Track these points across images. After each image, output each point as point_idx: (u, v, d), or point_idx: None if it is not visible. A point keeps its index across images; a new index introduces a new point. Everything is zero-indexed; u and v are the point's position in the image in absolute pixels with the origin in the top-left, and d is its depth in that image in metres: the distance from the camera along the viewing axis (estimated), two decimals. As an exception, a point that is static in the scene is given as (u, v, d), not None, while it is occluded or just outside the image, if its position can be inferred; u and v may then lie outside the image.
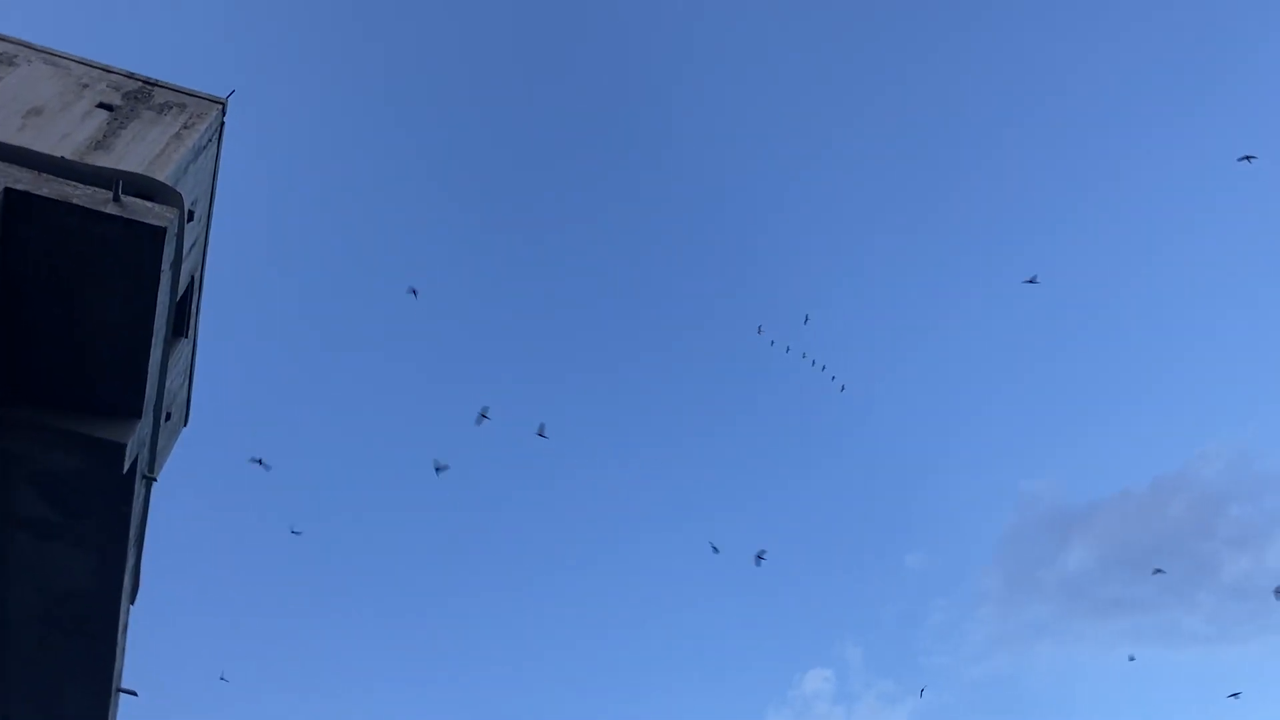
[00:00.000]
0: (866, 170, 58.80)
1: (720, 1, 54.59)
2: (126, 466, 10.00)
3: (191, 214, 11.50)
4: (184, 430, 14.69)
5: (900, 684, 57.58)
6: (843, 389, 35.09)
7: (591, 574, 56.13)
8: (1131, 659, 33.98)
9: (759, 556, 29.47)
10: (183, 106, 11.71)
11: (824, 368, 34.55)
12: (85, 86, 11.45)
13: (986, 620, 58.71)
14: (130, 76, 11.83)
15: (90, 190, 9.05)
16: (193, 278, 12.81)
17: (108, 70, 11.83)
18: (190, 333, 13.33)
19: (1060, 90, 57.23)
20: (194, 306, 13.21)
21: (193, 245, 12.11)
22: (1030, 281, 27.83)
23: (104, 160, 10.39)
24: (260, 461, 22.71)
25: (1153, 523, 55.20)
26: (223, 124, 12.34)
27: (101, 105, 11.26)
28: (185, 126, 11.46)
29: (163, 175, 10.44)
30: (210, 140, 12.05)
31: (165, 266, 9.40)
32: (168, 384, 12.15)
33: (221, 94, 12.24)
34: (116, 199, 8.98)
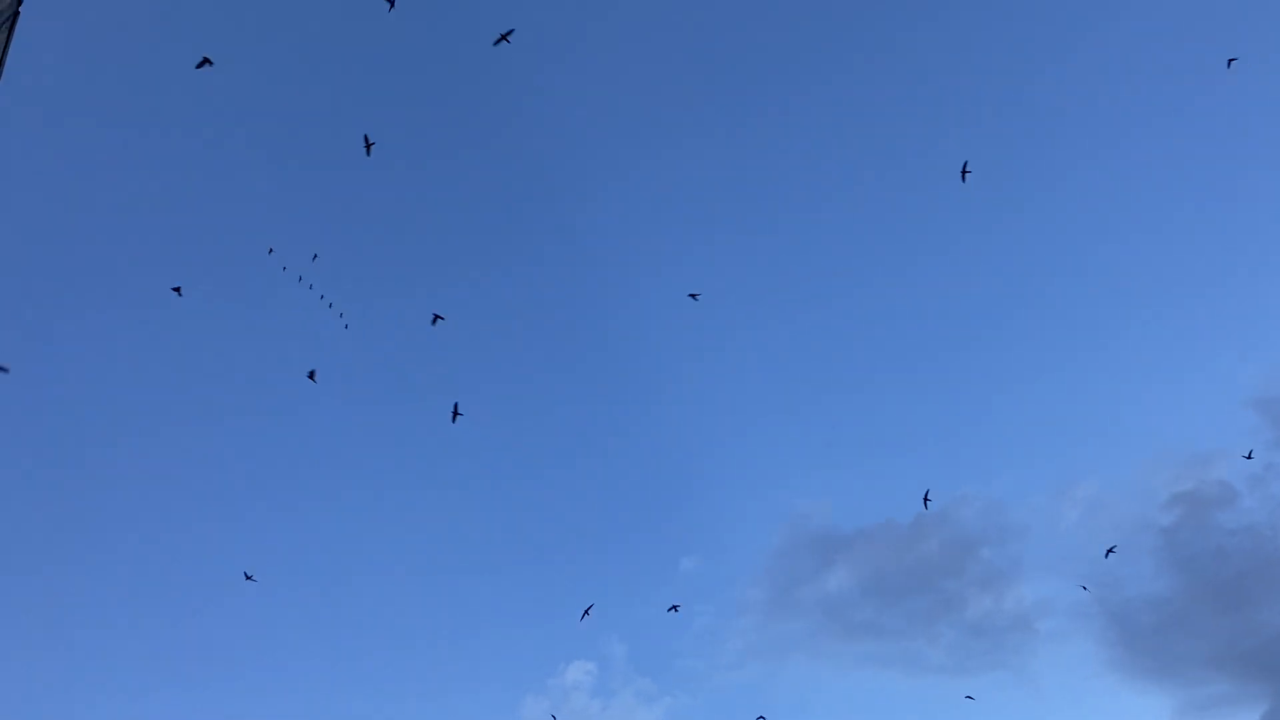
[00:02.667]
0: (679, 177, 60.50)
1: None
2: None
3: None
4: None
5: (658, 684, 59.17)
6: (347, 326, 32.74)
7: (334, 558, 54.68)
8: (970, 698, 35.81)
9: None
10: (-26, -14, 10.89)
11: (331, 306, 31.33)
12: None
13: (746, 630, 61.37)
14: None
15: None
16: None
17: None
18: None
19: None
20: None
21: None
22: (692, 296, 30.77)
23: None
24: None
25: (910, 556, 59.13)
26: (18, 12, 11.54)
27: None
28: (-26, 7, 10.66)
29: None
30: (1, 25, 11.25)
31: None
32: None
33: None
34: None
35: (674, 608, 31.58)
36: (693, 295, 30.18)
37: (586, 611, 28.70)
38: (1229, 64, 30.67)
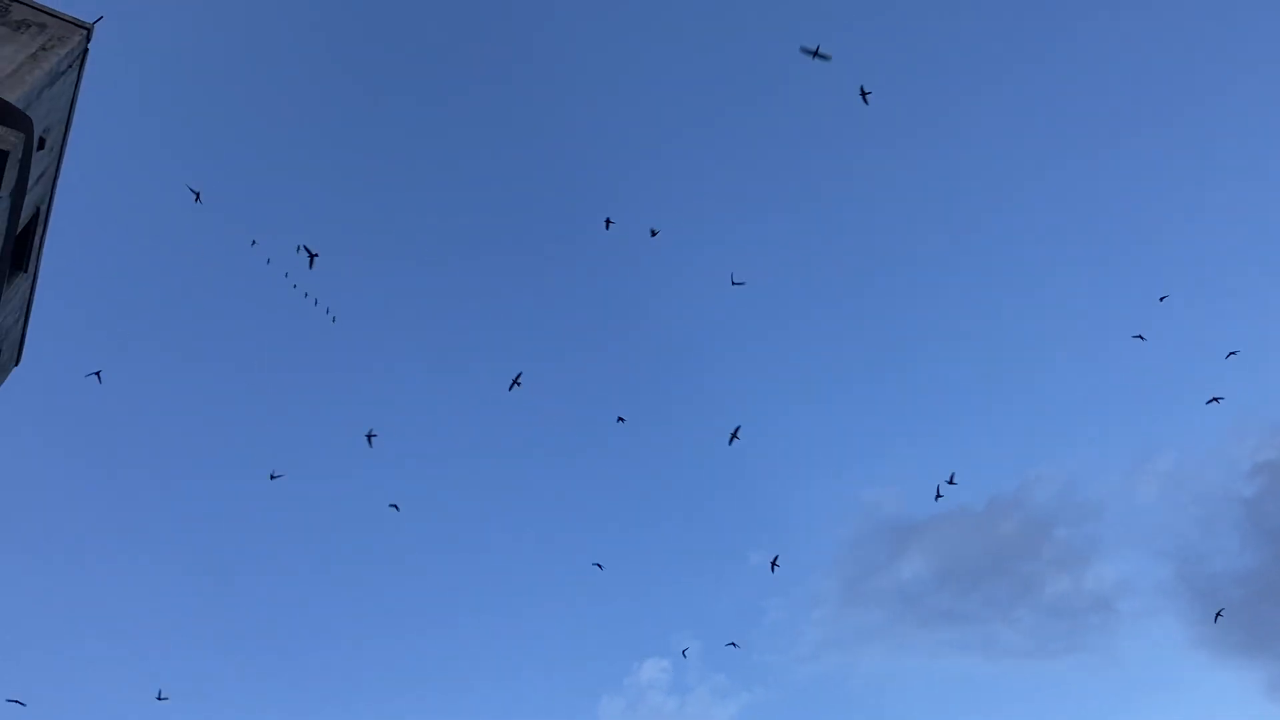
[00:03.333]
0: (743, 169, 59.67)
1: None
2: (-58, 402, 9.34)
3: (42, 141, 10.82)
4: (15, 369, 13.82)
5: (733, 679, 58.90)
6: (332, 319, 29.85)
7: (425, 571, 55.31)
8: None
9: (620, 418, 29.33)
10: (43, 26, 10.99)
11: (323, 309, 28.83)
12: (-67, -9, 10.63)
13: (820, 622, 60.60)
14: (-14, -13, 11.04)
15: (-74, 102, 8.42)
16: (38, 210, 12.05)
17: (-39, -23, 11.01)
18: (30, 268, 12.54)
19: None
20: (37, 241, 12.43)
21: (40, 175, 11.39)
22: (736, 283, 29.35)
23: (-53, 73, 9.68)
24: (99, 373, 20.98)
25: (985, 540, 58.02)
26: (87, 51, 11.65)
27: (-50, 14, 10.48)
28: (44, 48, 10.76)
29: (12, 97, 9.78)
30: (70, 66, 11.36)
31: (4, 193, 8.82)
32: (0, 319, 11.42)
33: (89, 18, 11.56)
34: (-45, 115, 8.38)
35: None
36: (736, 283, 29.37)
37: (516, 380, 27.21)
38: None
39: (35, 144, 10.24)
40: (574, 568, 57.42)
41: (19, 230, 11.00)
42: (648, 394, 57.73)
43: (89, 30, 11.52)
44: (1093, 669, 56.21)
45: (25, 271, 12.30)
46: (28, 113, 9.91)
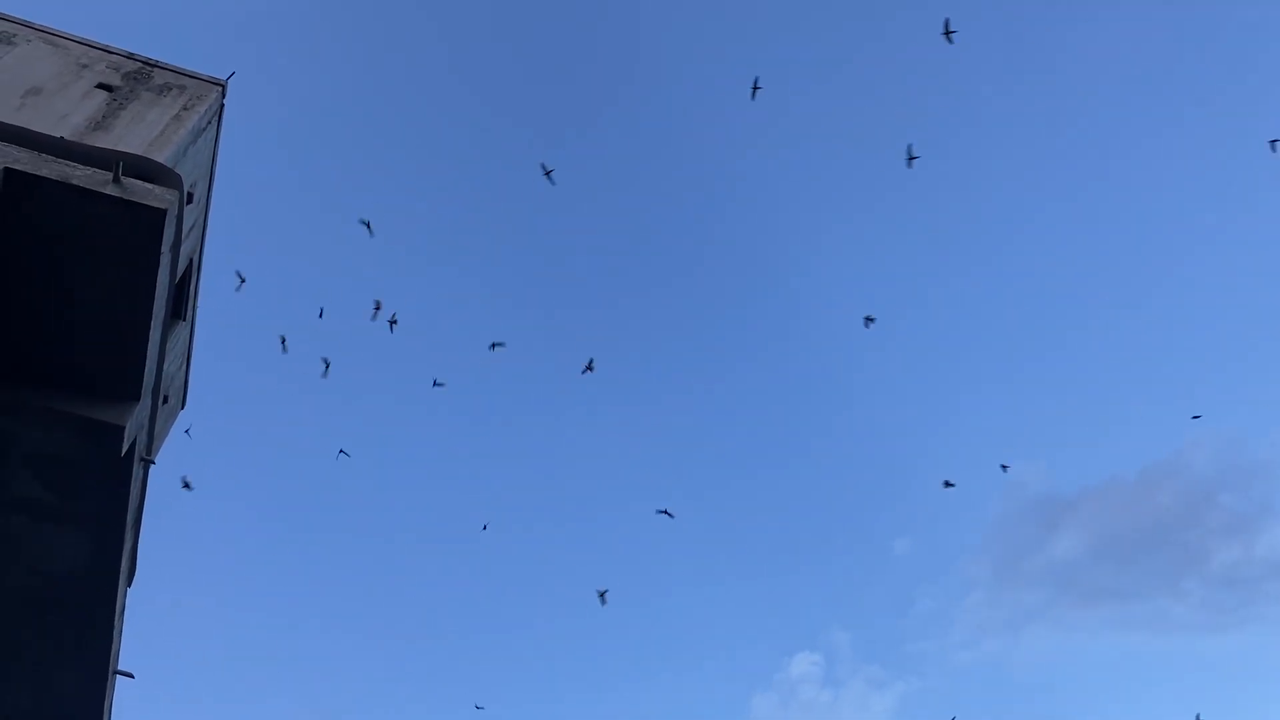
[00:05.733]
0: (849, 146, 58.54)
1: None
2: (125, 449, 9.98)
3: (191, 196, 11.45)
4: (181, 413, 14.66)
5: (887, 669, 57.74)
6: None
7: (561, 559, 55.96)
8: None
9: (600, 596, 28.07)
10: (182, 88, 11.64)
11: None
12: (84, 66, 11.37)
13: (974, 607, 58.80)
14: (130, 57, 11.75)
15: (90, 171, 9.00)
16: (191, 260, 12.76)
17: (107, 50, 11.75)
18: (188, 315, 13.29)
19: (1061, 76, 57.08)
20: (192, 289, 13.17)
21: (191, 228, 12.06)
22: (911, 158, 24.76)
23: (103, 141, 10.33)
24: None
25: (1141, 511, 55.36)
26: (222, 106, 12.28)
27: (100, 86, 11.19)
28: (185, 108, 11.39)
29: (162, 157, 10.38)
30: (210, 122, 11.99)
31: (165, 249, 9.36)
32: (166, 366, 12.11)
33: (222, 75, 12.19)
34: (116, 180, 8.94)
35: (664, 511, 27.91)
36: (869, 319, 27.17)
37: (602, 596, 26.78)
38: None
39: (185, 199, 10.81)
40: (712, 563, 57.38)
41: (176, 281, 11.65)
42: (784, 391, 57.29)
43: (224, 87, 12.13)
44: (1275, 639, 53.03)
45: (184, 320, 13.03)
46: (176, 170, 10.50)
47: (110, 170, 9.00)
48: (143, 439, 11.26)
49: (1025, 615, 57.65)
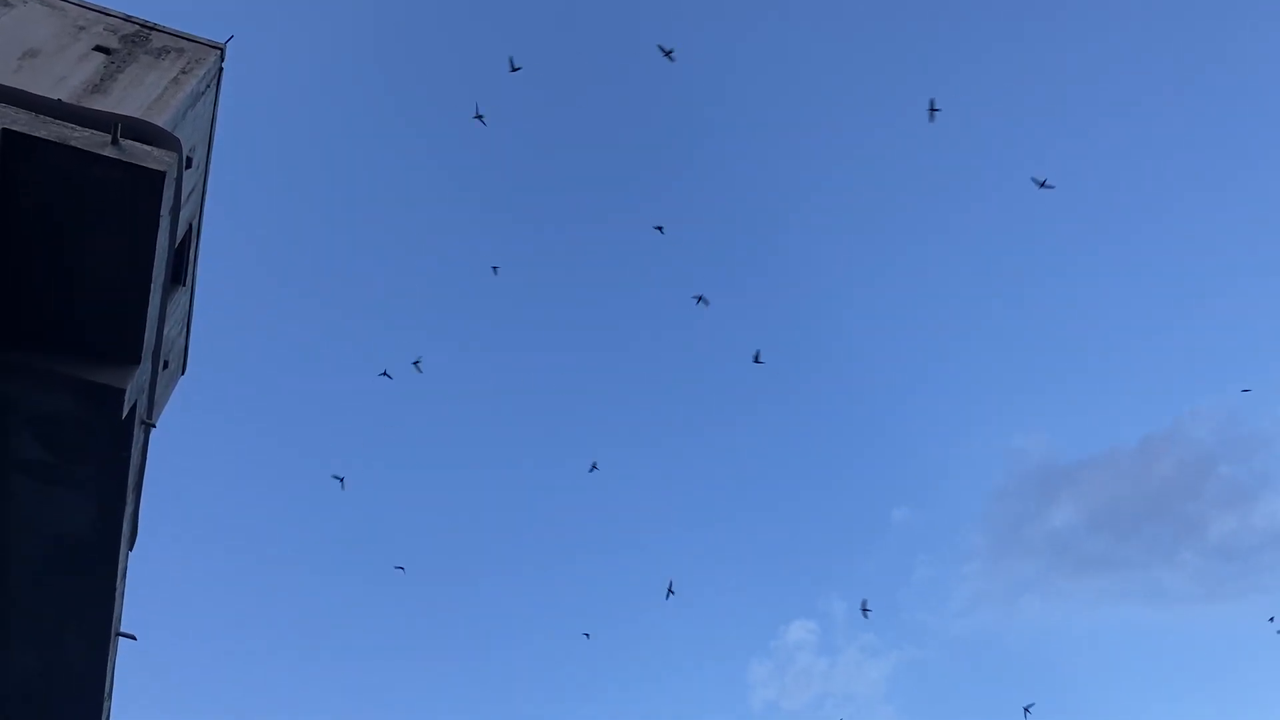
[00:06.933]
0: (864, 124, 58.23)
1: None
2: (125, 412, 10.01)
3: (190, 160, 11.42)
4: (181, 378, 14.69)
5: (882, 638, 58.22)
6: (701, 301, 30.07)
7: (556, 532, 56.29)
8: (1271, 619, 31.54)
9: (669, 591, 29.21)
10: (181, 51, 11.57)
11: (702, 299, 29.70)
12: (82, 29, 11.30)
13: (971, 577, 59.17)
14: (127, 19, 11.68)
15: (88, 133, 8.97)
16: (190, 225, 12.74)
17: (105, 13, 11.67)
18: (188, 281, 13.29)
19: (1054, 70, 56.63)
20: (192, 254, 13.16)
21: (191, 192, 12.03)
22: (1043, 185, 25.83)
23: (101, 104, 10.29)
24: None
25: (1140, 482, 55.57)
26: (221, 70, 12.22)
27: (98, 48, 11.13)
28: (183, 71, 11.33)
29: (161, 120, 10.35)
30: (209, 86, 11.93)
31: (164, 212, 9.35)
32: (166, 331, 12.13)
33: (220, 39, 12.11)
34: (115, 142, 8.91)
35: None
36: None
37: (593, 466, 27.79)
38: None
39: (184, 163, 10.78)
40: (713, 533, 57.66)
41: (176, 245, 11.64)
42: (782, 354, 57.28)
43: (222, 50, 12.06)
44: (1271, 609, 53.34)
45: (184, 285, 13.03)
46: (175, 134, 10.46)
47: (109, 133, 8.97)
48: (143, 403, 11.29)
49: (1022, 585, 58.04)
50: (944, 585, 60.01)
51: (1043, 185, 25.03)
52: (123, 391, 9.85)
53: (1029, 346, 59.24)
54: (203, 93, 11.69)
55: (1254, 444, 55.92)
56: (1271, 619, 31.21)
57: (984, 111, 55.37)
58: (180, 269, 12.65)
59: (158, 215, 9.18)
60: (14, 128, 8.64)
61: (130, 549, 12.74)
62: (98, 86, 10.60)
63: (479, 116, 26.70)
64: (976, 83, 55.13)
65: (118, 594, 11.95)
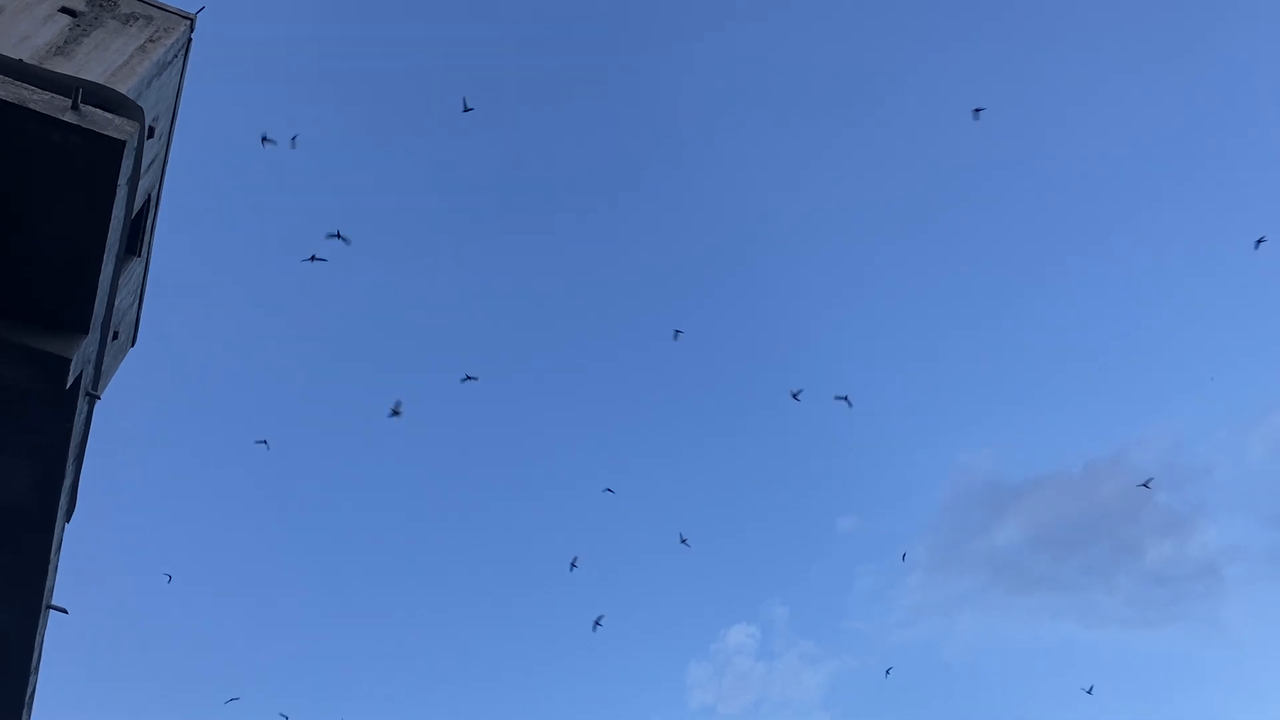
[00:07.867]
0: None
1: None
2: (70, 381, 9.85)
3: (152, 130, 11.25)
4: (131, 351, 14.46)
5: (822, 646, 58.76)
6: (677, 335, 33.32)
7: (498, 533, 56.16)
8: (1089, 691, 31.75)
9: (682, 540, 30.08)
10: (149, 19, 11.39)
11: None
12: (48, -11, 11.09)
13: (913, 589, 59.88)
14: (96, -17, 11.47)
15: (48, 96, 8.81)
16: (149, 196, 12.55)
17: (73, -26, 11.46)
18: (143, 252, 13.09)
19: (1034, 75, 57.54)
20: (149, 225, 12.96)
21: (151, 163, 11.85)
22: (977, 110, 28.69)
23: (64, 67, 10.10)
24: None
25: (1082, 504, 56.58)
26: (190, 41, 12.04)
27: (64, 10, 10.91)
28: (151, 40, 11.15)
29: (124, 88, 10.17)
30: (176, 56, 11.76)
31: (122, 181, 9.21)
32: (118, 302, 11.94)
33: (191, 9, 11.94)
34: (75, 107, 8.76)
35: None
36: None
37: (598, 621, 28.63)
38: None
39: (146, 133, 10.62)
40: (658, 536, 57.81)
41: (133, 216, 11.47)
42: (733, 359, 57.57)
43: (192, 21, 11.90)
44: (1197, 637, 54.62)
45: (139, 256, 12.84)
46: (138, 102, 10.30)
47: (69, 97, 8.82)
48: (89, 373, 11.11)
49: (961, 599, 58.85)
50: (884, 596, 60.65)
51: (978, 112, 27.84)
52: (69, 361, 9.69)
53: (981, 364, 60.15)
54: (169, 62, 11.51)
55: (1194, 473, 57.25)
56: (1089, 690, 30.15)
57: (931, 142, 56.13)
58: (136, 240, 12.46)
59: (115, 184, 9.04)
60: (-29, 86, 8.47)
61: (68, 521, 12.52)
62: (61, 49, 10.40)
63: (469, 109, 26.69)
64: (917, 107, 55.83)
65: (51, 567, 11.75)
